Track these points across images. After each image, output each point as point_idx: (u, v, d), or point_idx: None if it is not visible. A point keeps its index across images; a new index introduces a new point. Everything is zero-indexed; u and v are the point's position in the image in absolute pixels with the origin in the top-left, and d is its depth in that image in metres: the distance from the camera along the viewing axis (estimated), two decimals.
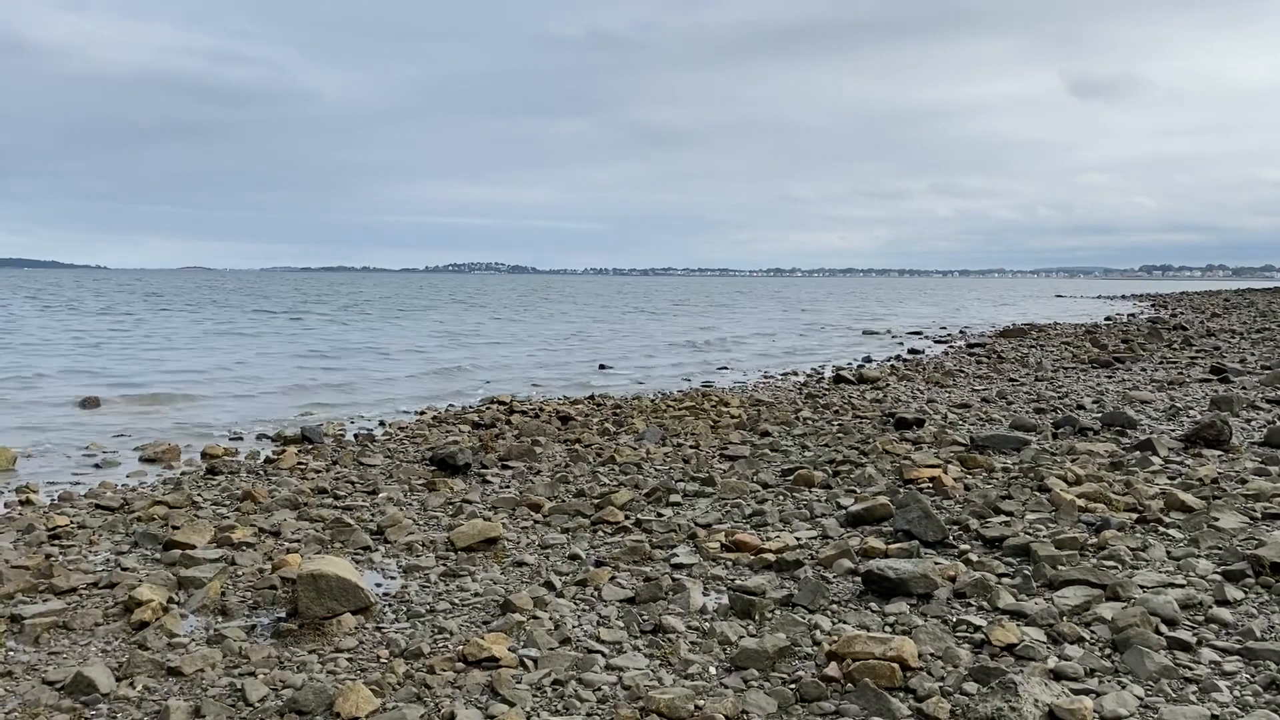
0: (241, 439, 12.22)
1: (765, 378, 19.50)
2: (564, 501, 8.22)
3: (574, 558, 6.66)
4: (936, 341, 29.73)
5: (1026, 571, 5.82)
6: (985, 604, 5.36)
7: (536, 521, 7.72)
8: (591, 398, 15.69)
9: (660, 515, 7.72)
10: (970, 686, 4.33)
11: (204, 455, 10.87)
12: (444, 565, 6.55)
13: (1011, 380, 16.83)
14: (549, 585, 6.01)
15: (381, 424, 13.30)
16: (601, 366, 22.77)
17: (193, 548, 6.82)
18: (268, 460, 10.33)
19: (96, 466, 10.52)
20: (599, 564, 6.47)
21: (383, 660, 4.91)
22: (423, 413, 14.43)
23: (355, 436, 12.13)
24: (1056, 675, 4.42)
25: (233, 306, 53.94)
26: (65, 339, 29.44)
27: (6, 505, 8.45)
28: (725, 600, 5.65)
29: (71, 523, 7.63)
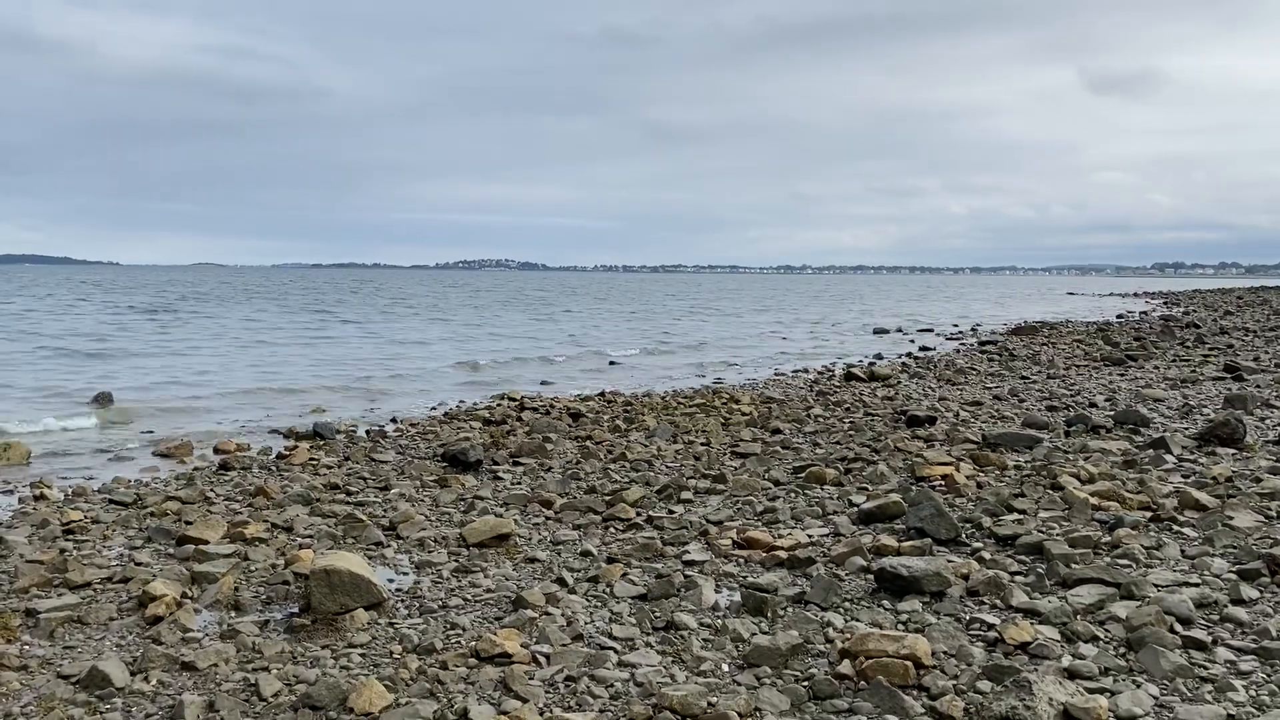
0: (253, 434, 12.26)
1: (776, 375, 19.47)
2: (575, 498, 8.22)
3: (586, 554, 6.66)
4: (948, 339, 29.65)
5: (1040, 570, 5.80)
6: (999, 602, 5.34)
7: (548, 518, 7.72)
8: (602, 395, 15.70)
9: (672, 512, 7.71)
10: (984, 685, 4.31)
11: (216, 450, 10.90)
12: (456, 561, 6.56)
13: (1023, 378, 16.78)
14: (561, 581, 6.01)
15: (394, 420, 13.32)
16: (612, 363, 22.78)
17: (206, 543, 6.85)
18: (280, 456, 10.37)
19: (111, 462, 10.57)
20: (611, 560, 6.46)
21: (395, 656, 4.92)
22: (434, 409, 14.46)
23: (367, 433, 12.16)
24: (1071, 674, 4.41)
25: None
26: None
27: (21, 500, 8.49)
28: (737, 597, 5.65)
29: (86, 518, 7.67)
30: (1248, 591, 5.28)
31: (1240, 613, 5.01)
